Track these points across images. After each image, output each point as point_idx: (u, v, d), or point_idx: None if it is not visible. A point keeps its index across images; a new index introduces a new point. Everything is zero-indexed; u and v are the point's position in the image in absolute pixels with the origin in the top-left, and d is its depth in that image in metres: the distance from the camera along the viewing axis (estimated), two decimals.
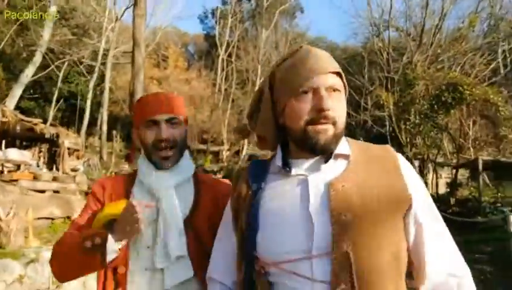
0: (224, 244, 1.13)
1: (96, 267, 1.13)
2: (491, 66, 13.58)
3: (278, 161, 1.05)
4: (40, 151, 13.39)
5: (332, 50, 34.66)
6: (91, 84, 21.76)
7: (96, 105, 22.87)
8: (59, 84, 20.15)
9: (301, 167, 1.02)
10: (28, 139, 13.04)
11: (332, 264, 0.86)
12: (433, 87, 9.10)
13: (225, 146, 24.59)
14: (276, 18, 27.53)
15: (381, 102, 11.83)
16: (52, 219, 6.63)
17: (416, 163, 12.65)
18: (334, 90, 0.99)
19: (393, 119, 11.38)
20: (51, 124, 14.18)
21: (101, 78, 22.91)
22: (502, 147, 9.20)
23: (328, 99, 0.96)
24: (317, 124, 0.97)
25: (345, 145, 1.04)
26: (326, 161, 1.00)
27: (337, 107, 0.99)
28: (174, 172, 1.30)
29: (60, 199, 6.89)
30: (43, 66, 17.66)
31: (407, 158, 11.44)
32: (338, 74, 1.01)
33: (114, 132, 19.64)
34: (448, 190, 10.63)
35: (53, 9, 14.52)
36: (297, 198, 0.97)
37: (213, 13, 37.00)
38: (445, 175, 11.99)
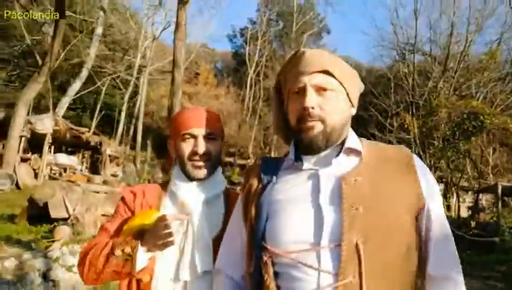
0: (234, 238, 1.13)
1: (125, 275, 1.14)
2: None
3: (291, 155, 1.06)
4: (83, 157, 14.58)
5: (357, 71, 35.09)
6: (126, 97, 23.13)
7: (129, 116, 24.24)
8: (102, 97, 21.52)
9: (312, 162, 1.03)
10: (73, 146, 14.22)
11: (341, 256, 0.86)
12: (455, 115, 9.64)
13: (251, 160, 25.40)
14: (304, 41, 28.47)
15: (406, 126, 12.37)
16: (108, 216, 7.53)
17: (441, 186, 13.07)
18: (324, 89, 1.00)
19: (418, 142, 11.90)
20: (94, 133, 15.37)
21: (135, 91, 24.32)
22: None
23: (313, 97, 0.99)
24: (305, 122, 1.00)
25: (356, 142, 1.05)
26: (337, 155, 1.01)
27: (326, 105, 1.00)
28: (206, 186, 1.30)
29: (112, 200, 7.79)
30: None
31: None
32: (330, 73, 1.01)
33: (148, 142, 20.75)
34: (470, 213, 11.01)
35: (99, 30, 15.91)
36: (308, 190, 0.97)
37: (241, 33, 38.51)
38: (469, 200, 12.33)
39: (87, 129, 14.35)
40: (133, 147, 21.63)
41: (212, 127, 1.30)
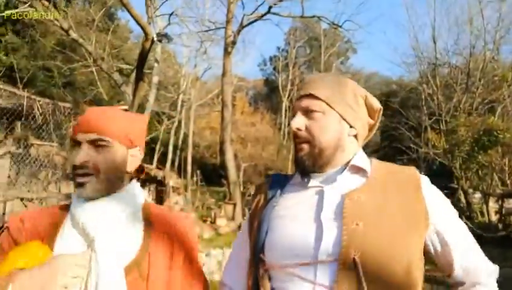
0: (240, 253, 1.13)
1: None
2: None
3: (297, 173, 1.08)
4: (149, 190, 16.93)
5: (387, 84, 35.96)
6: (172, 132, 25.72)
7: (173, 148, 26.75)
8: (161, 136, 24.09)
9: (318, 179, 1.04)
10: (143, 181, 16.53)
11: (337, 270, 0.86)
12: (473, 133, 11.14)
13: None
14: (332, 65, 30.19)
15: (432, 142, 13.83)
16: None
17: (477, 195, 14.24)
18: (311, 111, 1.03)
19: (446, 156, 13.27)
20: (158, 167, 17.73)
21: (178, 126, 26.91)
22: None
23: (299, 119, 1.04)
24: (295, 144, 1.06)
25: (363, 160, 1.05)
26: (342, 172, 1.02)
27: (313, 127, 1.02)
28: (112, 205, 1.02)
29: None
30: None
31: (463, 190, 12.97)
32: (316, 96, 1.03)
33: (198, 171, 23.02)
34: (498, 217, 12.30)
35: (155, 79, 18.40)
36: (311, 206, 0.98)
37: (271, 60, 40.74)
38: (494, 205, 13.53)
39: (152, 165, 16.73)
40: (181, 177, 23.93)
41: (105, 131, 1.01)
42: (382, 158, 1.18)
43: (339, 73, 33.02)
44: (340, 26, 13.10)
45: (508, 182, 11.44)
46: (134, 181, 1.13)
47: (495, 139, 10.46)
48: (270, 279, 0.97)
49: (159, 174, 15.60)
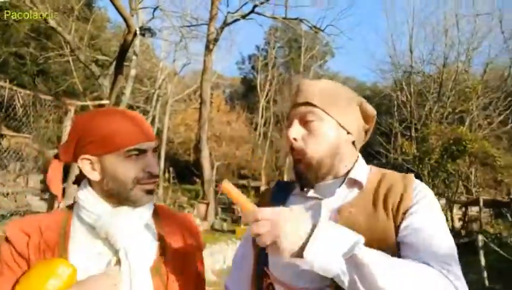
0: (243, 262, 1.14)
1: None
2: (501, 117, 15.91)
3: (296, 183, 1.08)
4: None
5: (361, 90, 36.88)
6: None
7: None
8: None
9: (318, 190, 1.03)
10: None
11: (330, 287, 0.88)
12: (443, 142, 11.61)
13: (263, 181, 27.17)
14: (311, 67, 30.53)
15: (404, 149, 14.30)
16: None
17: (442, 201, 14.85)
18: (308, 121, 1.00)
19: (415, 163, 13.76)
20: None
21: (152, 120, 26.48)
22: (499, 189, 11.45)
23: (296, 129, 1.01)
24: (293, 155, 1.03)
25: (361, 172, 1.03)
26: (340, 186, 1.00)
27: (310, 137, 1.00)
28: (139, 210, 0.98)
29: None
30: None
31: None
32: (312, 104, 1.01)
33: (171, 169, 22.75)
34: (461, 223, 12.89)
35: (133, 72, 18.00)
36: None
37: (249, 58, 40.73)
38: (458, 213, 14.17)
39: None
40: None
41: (155, 138, 1.02)
42: None
43: (316, 75, 33.68)
44: (323, 30, 13.30)
45: (473, 190, 12.00)
46: None
47: (463, 149, 10.95)
48: None
49: None
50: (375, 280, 0.75)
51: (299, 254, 0.76)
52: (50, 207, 4.79)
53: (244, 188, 26.28)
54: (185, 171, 26.34)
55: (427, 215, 0.92)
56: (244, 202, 0.85)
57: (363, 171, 1.05)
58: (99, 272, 0.91)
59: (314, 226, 0.79)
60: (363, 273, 0.75)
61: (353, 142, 1.07)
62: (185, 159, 28.51)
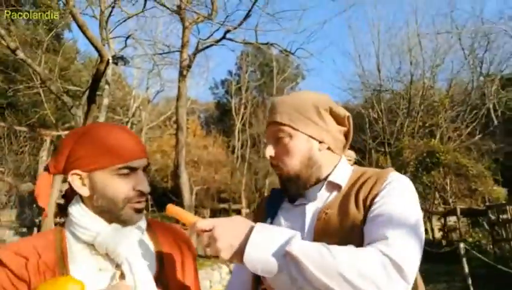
0: (242, 272, 1.14)
1: None
2: (469, 128, 16.64)
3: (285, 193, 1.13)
4: None
5: None
6: None
7: None
8: None
9: (305, 197, 1.07)
10: None
11: None
12: (417, 155, 11.94)
13: (243, 204, 26.97)
14: (284, 89, 31.05)
15: (380, 164, 14.61)
16: None
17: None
18: (278, 138, 1.06)
19: None
20: None
21: None
22: (474, 198, 11.83)
23: (269, 149, 1.08)
24: (274, 171, 1.11)
25: (341, 175, 1.06)
26: (320, 189, 1.05)
27: (282, 154, 1.06)
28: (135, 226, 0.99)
29: None
30: None
31: None
32: (280, 122, 1.06)
33: (149, 196, 22.30)
34: (441, 234, 13.10)
35: (106, 101, 17.74)
36: (297, 226, 1.02)
37: (222, 83, 41.07)
38: (437, 223, 14.45)
39: None
40: None
41: (147, 155, 1.01)
42: None
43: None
44: (293, 54, 13.60)
45: (450, 200, 12.30)
46: None
47: (437, 161, 11.28)
48: None
49: None
50: (310, 272, 0.77)
51: (240, 257, 0.81)
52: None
53: (225, 212, 26.01)
54: (163, 198, 25.79)
55: (392, 199, 0.94)
56: (188, 217, 0.91)
57: (344, 173, 1.08)
58: (105, 287, 0.91)
59: (250, 230, 0.83)
60: (300, 268, 0.78)
61: (329, 148, 1.10)
62: (163, 186, 27.99)
